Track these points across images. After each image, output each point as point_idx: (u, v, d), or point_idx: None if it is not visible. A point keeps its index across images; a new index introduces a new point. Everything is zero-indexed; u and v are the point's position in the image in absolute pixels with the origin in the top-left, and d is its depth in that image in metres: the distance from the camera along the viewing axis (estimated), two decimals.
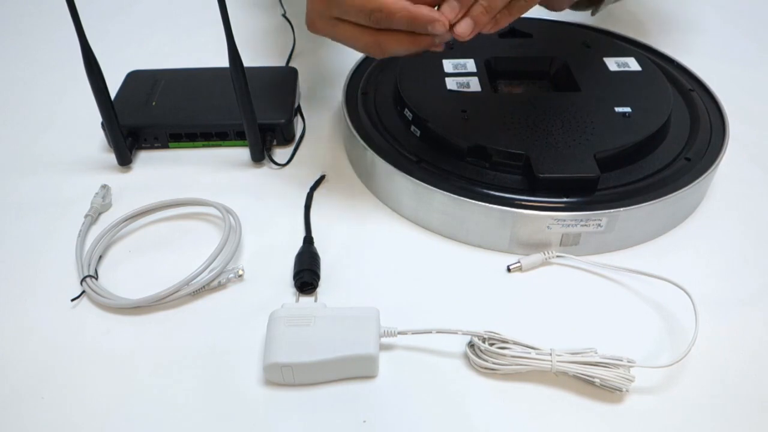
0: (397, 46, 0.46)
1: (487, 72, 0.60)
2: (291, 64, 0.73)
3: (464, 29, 0.45)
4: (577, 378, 0.41)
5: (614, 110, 0.55)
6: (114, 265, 0.50)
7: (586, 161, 0.50)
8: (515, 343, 0.42)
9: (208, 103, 0.63)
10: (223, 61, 0.53)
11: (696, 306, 0.44)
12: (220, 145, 0.62)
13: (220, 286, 0.48)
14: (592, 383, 0.41)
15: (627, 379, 0.40)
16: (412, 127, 0.56)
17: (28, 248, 0.52)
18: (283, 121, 0.61)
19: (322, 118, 0.66)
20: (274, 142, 0.61)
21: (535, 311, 0.47)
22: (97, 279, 0.48)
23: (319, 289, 0.48)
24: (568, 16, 0.71)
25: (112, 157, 0.60)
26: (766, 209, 0.55)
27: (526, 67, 0.63)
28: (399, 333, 0.43)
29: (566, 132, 0.53)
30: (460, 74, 0.60)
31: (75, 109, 0.66)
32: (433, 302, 0.47)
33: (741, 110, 0.60)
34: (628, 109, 0.55)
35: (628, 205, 0.48)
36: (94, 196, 0.55)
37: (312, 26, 0.49)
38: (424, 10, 0.43)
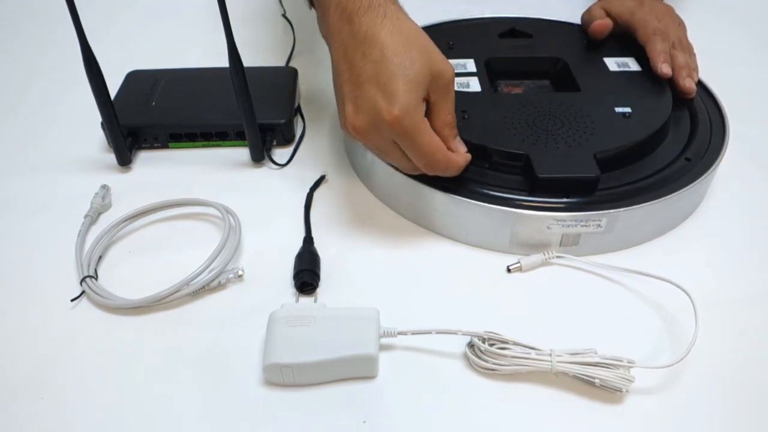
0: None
1: (487, 72, 0.60)
2: (291, 64, 0.73)
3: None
4: (577, 378, 0.41)
5: (614, 110, 0.55)
6: (114, 265, 0.50)
7: (586, 161, 0.50)
8: (515, 344, 0.42)
9: (208, 103, 0.63)
10: (223, 61, 0.53)
11: (696, 306, 0.44)
12: (220, 145, 0.62)
13: (220, 287, 0.48)
14: (592, 384, 0.41)
15: (627, 379, 0.40)
16: None
17: (28, 248, 0.52)
18: (283, 121, 0.61)
19: (322, 118, 0.66)
20: (274, 142, 0.61)
21: (535, 311, 0.47)
22: (96, 279, 0.48)
23: (318, 290, 0.48)
24: (568, 16, 0.71)
25: (112, 157, 0.60)
26: (766, 209, 0.55)
27: (526, 67, 0.63)
28: (399, 333, 0.43)
29: (566, 132, 0.52)
30: (460, 74, 0.60)
31: (75, 109, 0.66)
32: (433, 302, 0.47)
33: (741, 110, 0.60)
34: (628, 109, 0.55)
35: (628, 206, 0.48)
36: (94, 197, 0.55)
37: (358, 133, 0.46)
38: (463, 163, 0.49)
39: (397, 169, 0.51)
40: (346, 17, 0.46)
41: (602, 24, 0.65)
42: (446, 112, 0.47)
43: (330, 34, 0.48)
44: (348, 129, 0.47)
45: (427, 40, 0.46)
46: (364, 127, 0.45)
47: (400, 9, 0.48)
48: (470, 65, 0.61)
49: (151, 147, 0.62)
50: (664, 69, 0.59)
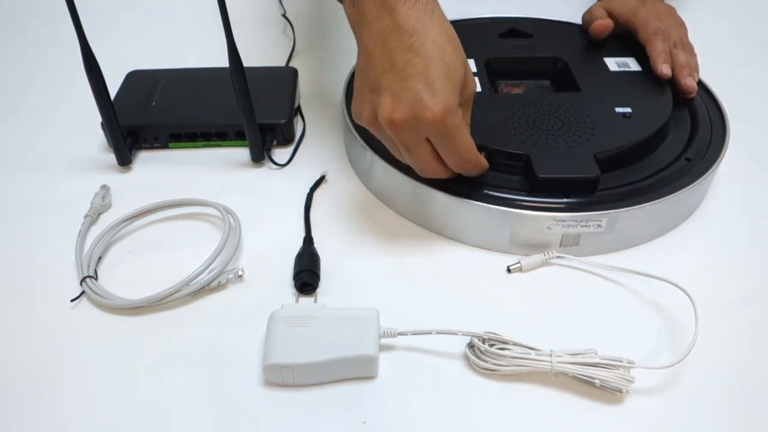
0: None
1: (487, 72, 0.60)
2: (291, 64, 0.73)
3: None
4: (577, 379, 0.41)
5: (614, 110, 0.55)
6: (114, 265, 0.50)
7: (586, 161, 0.50)
8: (515, 344, 0.42)
9: (208, 103, 0.63)
10: (223, 61, 0.53)
11: (696, 306, 0.44)
12: (220, 145, 0.62)
13: (220, 287, 0.48)
14: (592, 384, 0.41)
15: (627, 380, 0.40)
16: None
17: (28, 248, 0.52)
18: (283, 121, 0.61)
19: (322, 118, 0.66)
20: (274, 142, 0.61)
21: (535, 312, 0.47)
22: (96, 279, 0.48)
23: (318, 290, 0.48)
24: (568, 16, 0.71)
25: (112, 157, 0.60)
26: (766, 209, 0.55)
27: (526, 67, 0.63)
28: (399, 333, 0.43)
29: (566, 132, 0.52)
30: None
31: (75, 109, 0.66)
32: (433, 302, 0.47)
33: (741, 110, 0.60)
34: (628, 109, 0.55)
35: (629, 206, 0.48)
36: (94, 197, 0.55)
37: (392, 125, 0.44)
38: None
39: (407, 170, 0.50)
40: (387, 7, 0.44)
41: (603, 24, 0.65)
42: (466, 122, 0.47)
43: (365, 22, 0.46)
44: (380, 119, 0.44)
45: (462, 49, 0.46)
46: (401, 120, 0.44)
47: (443, 12, 0.46)
48: (470, 65, 0.61)
49: (151, 147, 0.62)
50: (664, 69, 0.59)
